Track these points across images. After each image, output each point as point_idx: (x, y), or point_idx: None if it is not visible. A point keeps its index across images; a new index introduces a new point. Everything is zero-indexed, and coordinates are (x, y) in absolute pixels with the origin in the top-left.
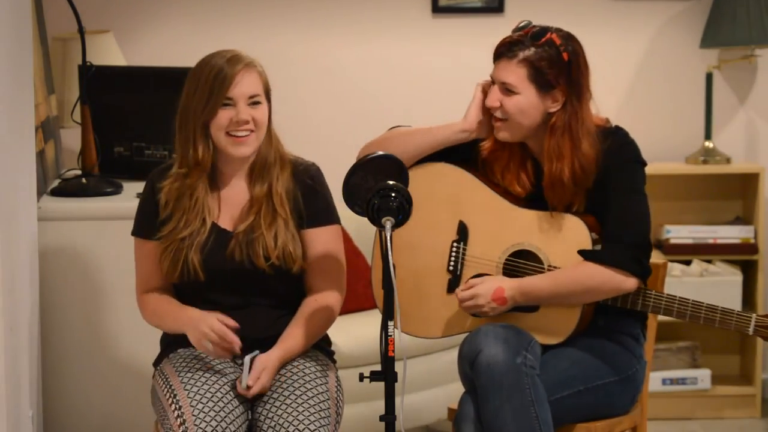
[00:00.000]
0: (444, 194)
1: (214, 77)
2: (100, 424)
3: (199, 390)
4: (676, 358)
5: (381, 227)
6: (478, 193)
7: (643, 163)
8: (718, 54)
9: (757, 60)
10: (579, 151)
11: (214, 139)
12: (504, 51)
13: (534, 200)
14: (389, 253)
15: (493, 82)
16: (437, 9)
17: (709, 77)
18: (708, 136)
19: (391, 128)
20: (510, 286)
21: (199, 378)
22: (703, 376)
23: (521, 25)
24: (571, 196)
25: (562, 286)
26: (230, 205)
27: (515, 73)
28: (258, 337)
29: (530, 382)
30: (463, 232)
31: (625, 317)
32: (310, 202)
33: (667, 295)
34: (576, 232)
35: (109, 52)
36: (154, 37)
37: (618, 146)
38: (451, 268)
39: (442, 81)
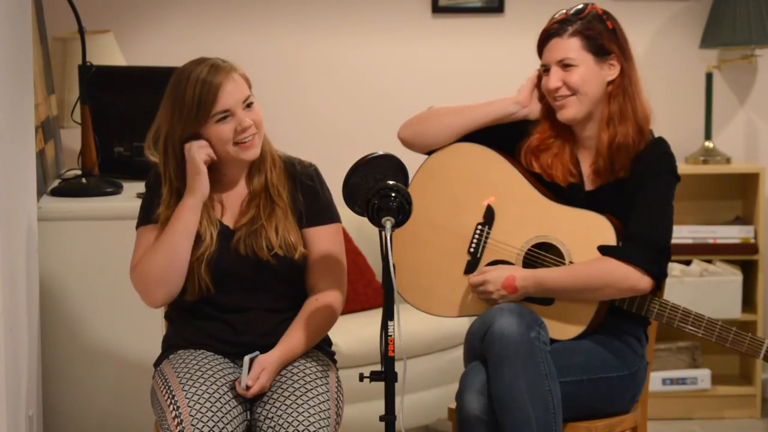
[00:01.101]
0: (475, 175)
1: (199, 96)
2: (100, 424)
3: (197, 391)
4: (676, 358)
5: (381, 227)
6: (511, 180)
7: (678, 178)
8: (718, 54)
9: (757, 60)
10: (638, 112)
11: (223, 153)
12: (554, 31)
13: (568, 193)
14: (389, 253)
15: (545, 70)
16: (437, 9)
17: (709, 77)
18: (708, 136)
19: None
20: (523, 275)
21: (198, 379)
22: (703, 376)
23: (558, 13)
24: (628, 160)
25: (576, 279)
26: (230, 202)
27: (570, 47)
28: (259, 343)
29: (543, 357)
30: (489, 215)
31: (629, 318)
32: (311, 202)
33: (683, 308)
34: (602, 231)
35: (109, 52)
36: (154, 37)
37: (660, 154)
38: (471, 249)
39: (442, 81)
